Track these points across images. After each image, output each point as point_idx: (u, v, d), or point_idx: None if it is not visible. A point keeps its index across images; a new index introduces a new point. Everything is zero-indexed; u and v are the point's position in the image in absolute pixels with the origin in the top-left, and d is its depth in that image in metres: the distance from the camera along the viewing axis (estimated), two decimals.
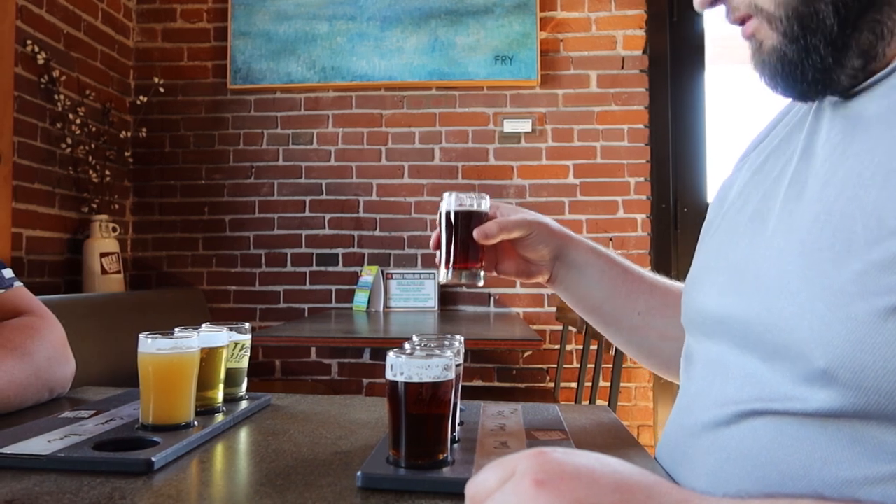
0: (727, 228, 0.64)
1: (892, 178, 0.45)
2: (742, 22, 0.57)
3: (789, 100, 0.64)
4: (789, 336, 0.48)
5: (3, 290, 0.91)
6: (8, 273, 0.94)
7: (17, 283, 0.94)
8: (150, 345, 0.69)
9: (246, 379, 0.86)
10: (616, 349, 1.78)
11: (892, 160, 0.45)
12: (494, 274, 0.86)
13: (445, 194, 0.81)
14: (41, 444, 0.62)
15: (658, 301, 0.85)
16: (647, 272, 0.88)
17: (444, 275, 0.81)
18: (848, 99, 0.54)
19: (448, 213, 0.80)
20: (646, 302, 0.85)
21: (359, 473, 0.56)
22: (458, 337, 0.76)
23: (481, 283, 0.81)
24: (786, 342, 0.49)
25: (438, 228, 0.82)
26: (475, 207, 0.80)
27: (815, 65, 0.52)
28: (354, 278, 2.80)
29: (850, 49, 0.51)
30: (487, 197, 0.81)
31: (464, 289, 2.79)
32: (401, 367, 0.57)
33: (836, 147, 0.52)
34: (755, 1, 0.55)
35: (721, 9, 0.60)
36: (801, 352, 0.47)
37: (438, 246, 0.82)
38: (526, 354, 2.74)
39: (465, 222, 0.80)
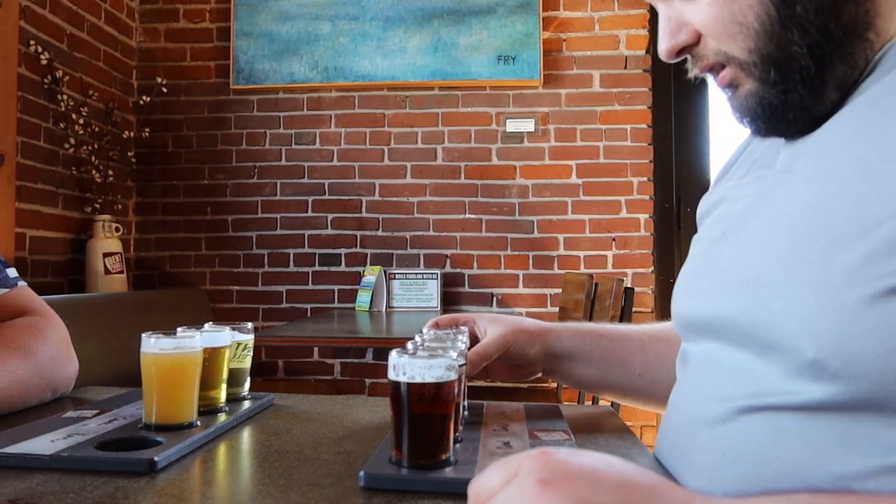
0: (710, 237, 0.65)
1: (870, 169, 0.45)
2: (710, 69, 0.57)
3: None
4: (778, 330, 0.48)
5: (6, 290, 0.91)
6: (12, 272, 0.94)
7: (21, 283, 0.94)
8: (152, 344, 0.69)
9: (249, 379, 0.86)
10: None
11: (871, 152, 0.46)
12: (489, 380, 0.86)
13: (424, 329, 0.78)
14: (44, 444, 0.62)
15: (653, 356, 0.85)
16: (635, 329, 0.88)
17: None
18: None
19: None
20: (642, 362, 0.85)
21: (361, 473, 0.56)
22: (464, 329, 0.76)
23: (462, 424, 0.76)
24: (775, 337, 0.49)
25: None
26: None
27: (794, 104, 0.53)
28: (357, 278, 2.80)
29: (827, 85, 0.52)
30: (466, 330, 0.79)
31: (466, 288, 2.79)
32: (403, 368, 0.57)
33: (809, 146, 0.53)
34: (725, 50, 0.54)
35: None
36: (791, 345, 0.47)
37: None
38: None
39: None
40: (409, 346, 0.63)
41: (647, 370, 0.84)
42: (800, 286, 0.47)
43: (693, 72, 0.59)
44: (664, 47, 0.58)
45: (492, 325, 0.83)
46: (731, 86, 0.56)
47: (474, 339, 0.83)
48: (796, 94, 0.52)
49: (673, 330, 0.86)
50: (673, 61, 0.59)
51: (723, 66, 0.56)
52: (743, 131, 0.77)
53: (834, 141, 0.50)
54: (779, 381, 0.49)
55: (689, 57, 0.59)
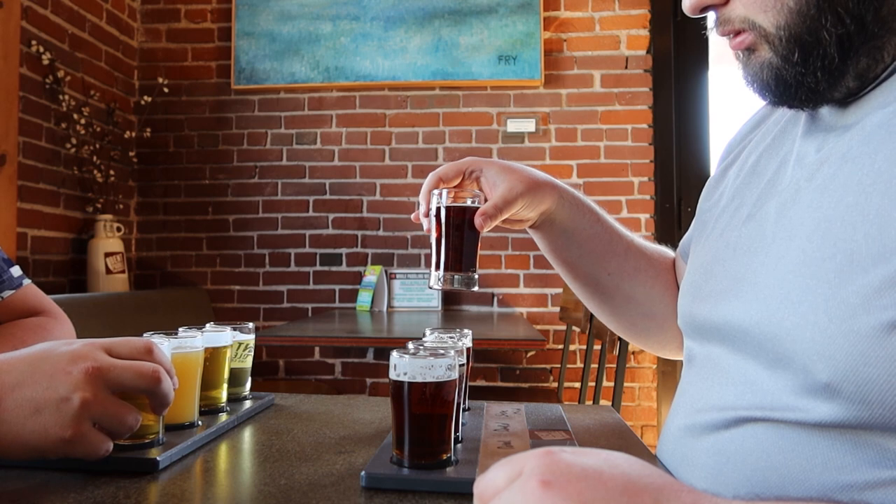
0: (722, 232, 0.64)
1: (894, 185, 0.44)
2: (735, 35, 0.55)
3: None
4: (790, 347, 0.48)
5: (12, 291, 0.91)
6: (16, 271, 0.94)
7: (26, 281, 0.94)
8: None
9: (250, 378, 0.86)
10: (620, 349, 1.78)
11: (894, 167, 0.45)
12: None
13: (435, 191, 0.76)
14: None
15: (631, 264, 0.83)
16: (626, 233, 0.85)
17: (434, 279, 0.75)
18: (845, 106, 0.54)
19: (438, 210, 0.74)
20: (618, 265, 0.83)
21: (362, 473, 0.56)
22: (467, 332, 0.76)
23: (476, 288, 0.75)
24: (787, 353, 0.48)
25: (430, 226, 0.76)
26: (468, 203, 0.74)
27: (809, 86, 0.51)
28: (358, 278, 2.80)
29: (846, 74, 0.50)
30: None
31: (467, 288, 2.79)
32: (404, 367, 0.57)
33: (833, 151, 0.52)
34: (752, 18, 0.53)
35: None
36: (802, 364, 0.46)
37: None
38: (529, 354, 2.74)
39: (458, 219, 0.74)
40: (410, 345, 0.63)
41: (619, 274, 0.83)
42: (814, 304, 0.46)
43: (713, 31, 0.57)
44: (689, 2, 0.57)
45: (502, 176, 0.76)
46: (748, 50, 0.54)
47: (482, 191, 0.78)
48: (813, 77, 0.51)
49: (658, 251, 0.85)
50: (696, 16, 0.58)
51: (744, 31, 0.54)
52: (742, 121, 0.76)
53: (858, 150, 0.49)
54: (786, 397, 0.48)
55: (712, 13, 0.57)
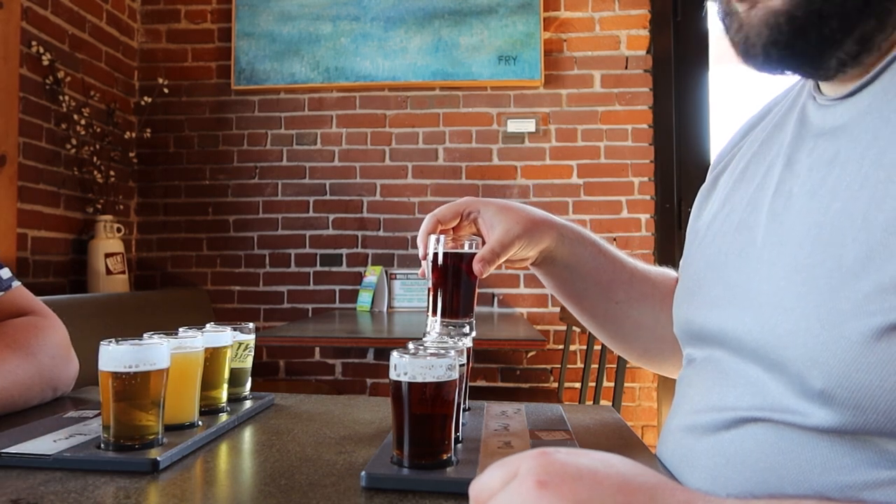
0: (714, 240, 0.64)
1: (880, 188, 0.44)
2: None
3: (768, 93, 0.62)
4: (784, 354, 0.48)
5: (1, 293, 0.90)
6: (6, 274, 0.92)
7: (16, 283, 0.93)
8: None
9: (250, 379, 0.86)
10: None
11: (879, 170, 0.45)
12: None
13: (432, 237, 0.75)
14: (46, 444, 0.62)
15: (637, 291, 0.83)
16: (629, 259, 0.86)
17: (430, 325, 0.75)
18: (831, 104, 0.53)
19: (436, 256, 0.74)
20: (625, 293, 0.83)
21: (363, 473, 0.56)
22: (469, 336, 0.76)
23: (474, 334, 0.75)
24: (781, 359, 0.48)
25: (427, 271, 0.76)
26: (465, 248, 0.74)
27: (819, 34, 0.48)
28: (358, 278, 2.80)
29: (853, 32, 0.48)
30: (478, 238, 0.76)
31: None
32: (405, 367, 0.57)
33: (821, 156, 0.51)
34: None
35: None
36: (797, 370, 0.47)
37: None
38: (530, 354, 2.74)
39: (455, 265, 0.74)
40: (411, 345, 0.63)
41: (627, 301, 0.83)
42: (806, 311, 0.46)
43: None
44: None
45: (499, 217, 0.77)
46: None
47: (479, 233, 0.79)
48: (827, 27, 0.47)
49: (661, 274, 0.85)
50: None
51: None
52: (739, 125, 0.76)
53: (846, 154, 0.49)
54: (785, 400, 0.48)
55: None
